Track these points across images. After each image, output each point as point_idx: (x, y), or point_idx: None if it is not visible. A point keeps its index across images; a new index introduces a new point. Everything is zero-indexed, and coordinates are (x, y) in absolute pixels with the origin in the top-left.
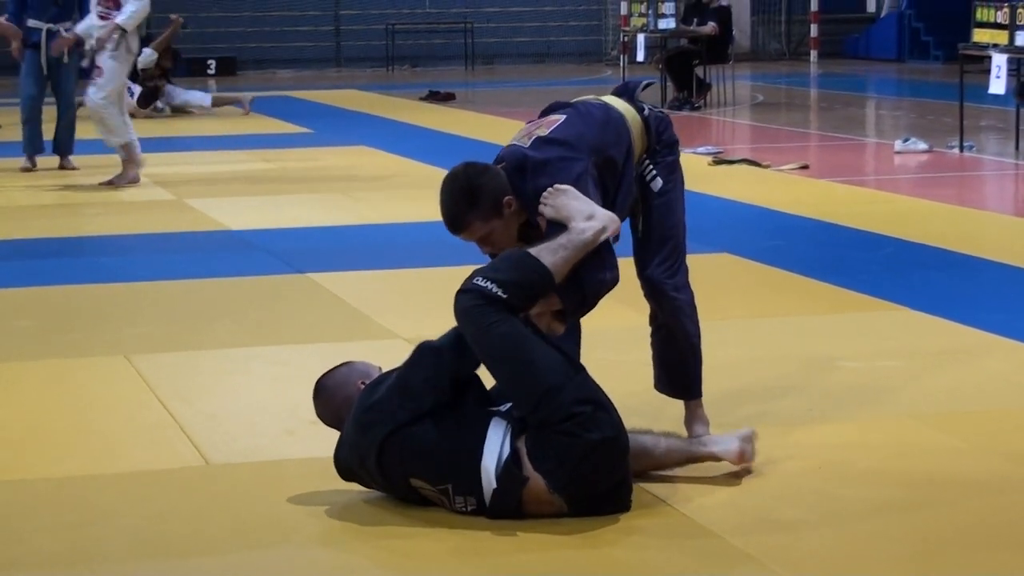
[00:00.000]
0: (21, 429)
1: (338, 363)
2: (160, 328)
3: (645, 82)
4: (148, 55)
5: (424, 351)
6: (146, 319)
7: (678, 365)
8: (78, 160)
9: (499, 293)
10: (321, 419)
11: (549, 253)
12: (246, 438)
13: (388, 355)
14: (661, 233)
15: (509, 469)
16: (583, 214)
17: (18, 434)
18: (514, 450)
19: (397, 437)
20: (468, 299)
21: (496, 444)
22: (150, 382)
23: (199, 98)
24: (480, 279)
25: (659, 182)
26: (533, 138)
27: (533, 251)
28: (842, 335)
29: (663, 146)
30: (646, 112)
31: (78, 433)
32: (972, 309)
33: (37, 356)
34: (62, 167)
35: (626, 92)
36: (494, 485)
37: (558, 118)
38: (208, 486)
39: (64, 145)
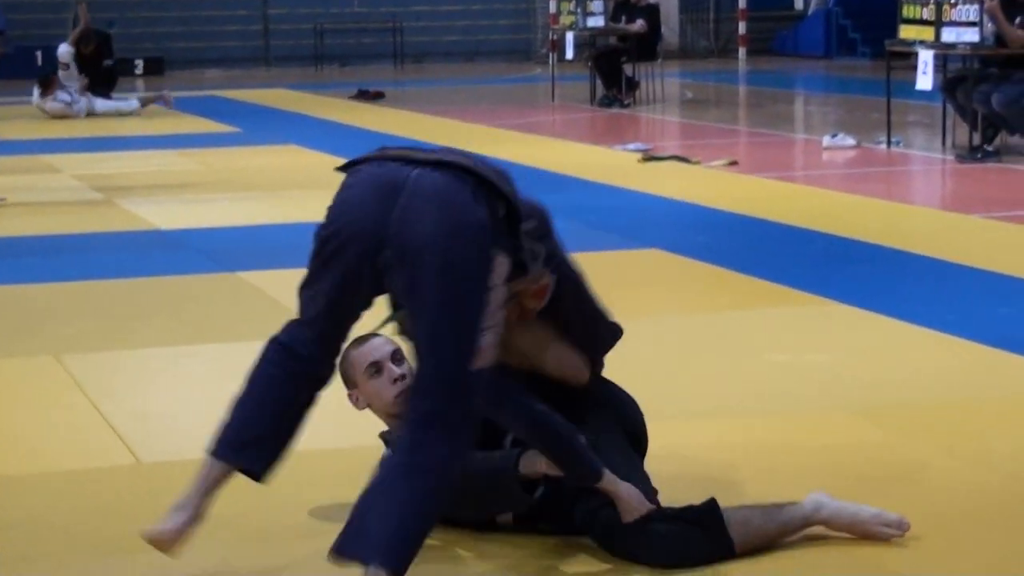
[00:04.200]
0: None
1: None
2: (89, 327)
3: None
4: (65, 49)
5: None
6: (75, 319)
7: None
8: None
9: None
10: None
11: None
12: (176, 436)
13: None
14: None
15: None
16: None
17: None
18: None
19: None
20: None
21: None
22: (80, 381)
23: (127, 105)
24: None
25: None
26: None
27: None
28: (771, 329)
29: None
30: None
31: (6, 433)
32: (901, 303)
33: None
34: None
35: None
36: None
37: None
38: (139, 484)
39: None
